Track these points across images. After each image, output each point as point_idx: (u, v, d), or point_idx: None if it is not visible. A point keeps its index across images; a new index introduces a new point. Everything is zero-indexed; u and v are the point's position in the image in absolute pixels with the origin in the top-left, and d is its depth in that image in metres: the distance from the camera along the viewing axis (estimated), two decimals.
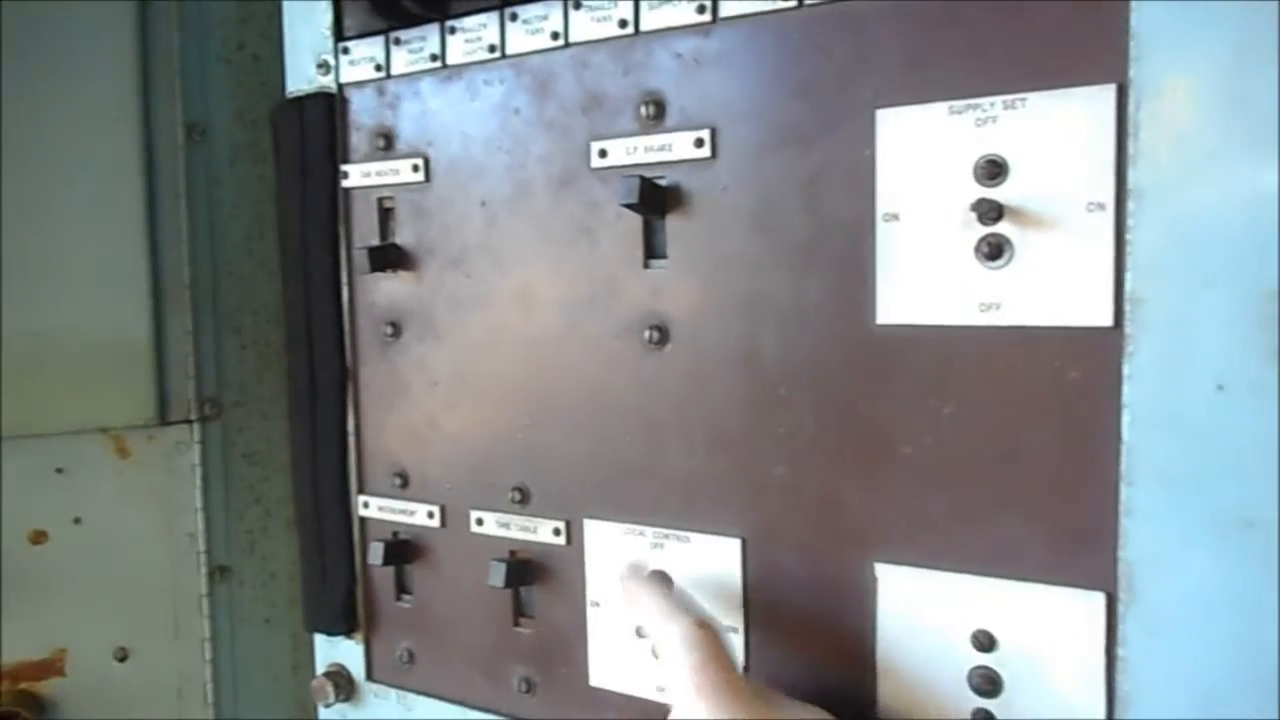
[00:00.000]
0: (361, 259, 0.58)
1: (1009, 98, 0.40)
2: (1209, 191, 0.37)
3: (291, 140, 0.61)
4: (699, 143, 0.47)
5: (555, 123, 0.52)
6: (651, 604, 0.47)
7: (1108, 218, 0.38)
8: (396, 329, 0.59)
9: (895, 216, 0.43)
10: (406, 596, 0.61)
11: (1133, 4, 0.37)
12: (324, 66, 0.61)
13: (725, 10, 0.46)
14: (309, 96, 0.61)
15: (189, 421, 0.76)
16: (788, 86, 0.45)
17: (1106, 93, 0.38)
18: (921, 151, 0.42)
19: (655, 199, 0.48)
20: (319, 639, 0.66)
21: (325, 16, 0.60)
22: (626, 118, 0.50)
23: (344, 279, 0.61)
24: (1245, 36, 0.35)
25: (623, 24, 0.49)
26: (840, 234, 0.44)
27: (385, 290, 0.60)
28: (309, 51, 0.61)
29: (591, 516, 0.53)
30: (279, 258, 0.63)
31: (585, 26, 0.51)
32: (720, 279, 0.48)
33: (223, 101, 0.77)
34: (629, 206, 0.48)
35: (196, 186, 0.75)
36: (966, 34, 0.41)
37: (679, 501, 0.50)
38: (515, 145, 0.54)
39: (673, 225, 0.49)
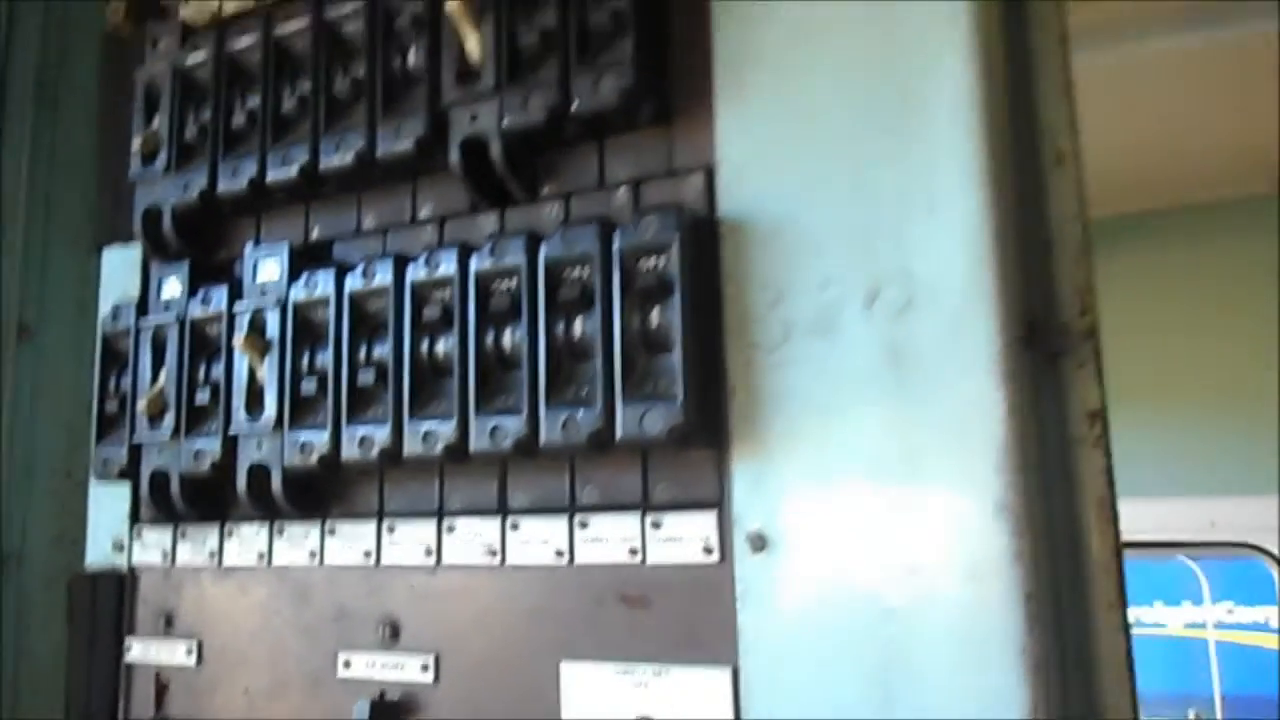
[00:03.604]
0: None
1: (658, 667, 0.49)
2: None
3: (84, 614, 0.67)
4: (425, 667, 0.55)
5: (310, 628, 0.59)
6: None
7: None
8: None
9: None
10: None
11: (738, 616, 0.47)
12: (119, 546, 0.67)
13: (447, 559, 0.55)
14: (103, 573, 0.67)
15: None
16: (495, 623, 0.53)
17: (724, 672, 0.47)
18: (595, 700, 0.50)
19: (385, 715, 0.55)
20: None
21: (124, 504, 0.67)
22: (369, 633, 0.57)
23: None
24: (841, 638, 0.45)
25: (367, 554, 0.58)
26: None
27: None
28: (108, 531, 0.68)
29: None
30: None
31: (338, 551, 0.59)
32: None
33: (42, 528, 0.82)
34: None
35: (6, 612, 0.78)
36: (629, 621, 0.50)
37: None
38: (276, 643, 0.60)
39: None
